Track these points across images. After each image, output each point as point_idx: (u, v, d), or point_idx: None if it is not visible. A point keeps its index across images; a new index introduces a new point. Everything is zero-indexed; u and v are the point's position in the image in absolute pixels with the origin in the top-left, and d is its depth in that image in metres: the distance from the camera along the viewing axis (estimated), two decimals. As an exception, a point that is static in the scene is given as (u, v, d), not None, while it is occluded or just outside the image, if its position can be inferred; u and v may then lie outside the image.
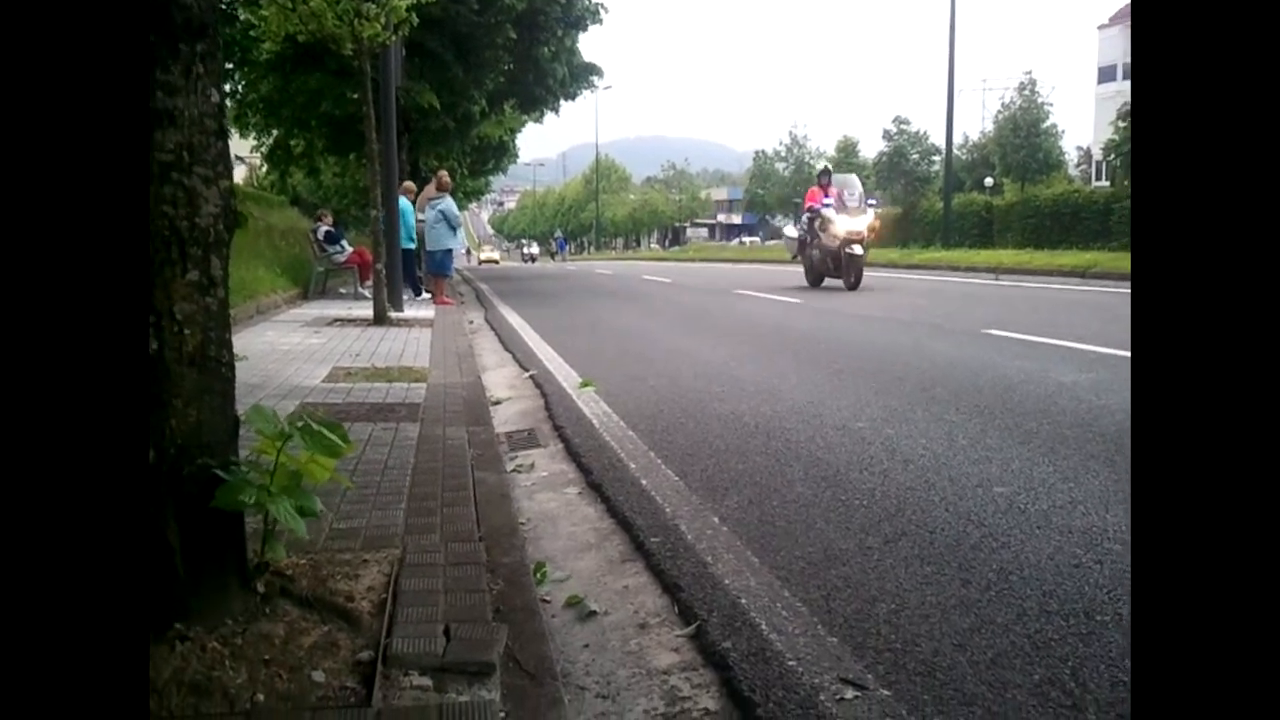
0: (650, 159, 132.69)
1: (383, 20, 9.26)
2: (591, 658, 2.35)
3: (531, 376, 6.58)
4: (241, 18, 15.84)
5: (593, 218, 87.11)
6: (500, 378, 6.86)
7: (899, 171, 53.41)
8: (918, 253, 25.54)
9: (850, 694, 2.01)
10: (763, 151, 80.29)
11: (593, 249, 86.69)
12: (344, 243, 15.23)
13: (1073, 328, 8.49)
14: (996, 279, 16.06)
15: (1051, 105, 45.39)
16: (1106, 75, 46.24)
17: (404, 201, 13.73)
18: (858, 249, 14.39)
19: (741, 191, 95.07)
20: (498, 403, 5.78)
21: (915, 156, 53.88)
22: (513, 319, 11.39)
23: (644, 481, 3.73)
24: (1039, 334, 8.01)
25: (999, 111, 47.03)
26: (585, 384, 6.00)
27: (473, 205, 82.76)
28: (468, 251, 70.00)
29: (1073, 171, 48.18)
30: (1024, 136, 44.20)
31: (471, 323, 11.12)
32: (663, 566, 2.82)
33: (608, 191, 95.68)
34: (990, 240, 28.70)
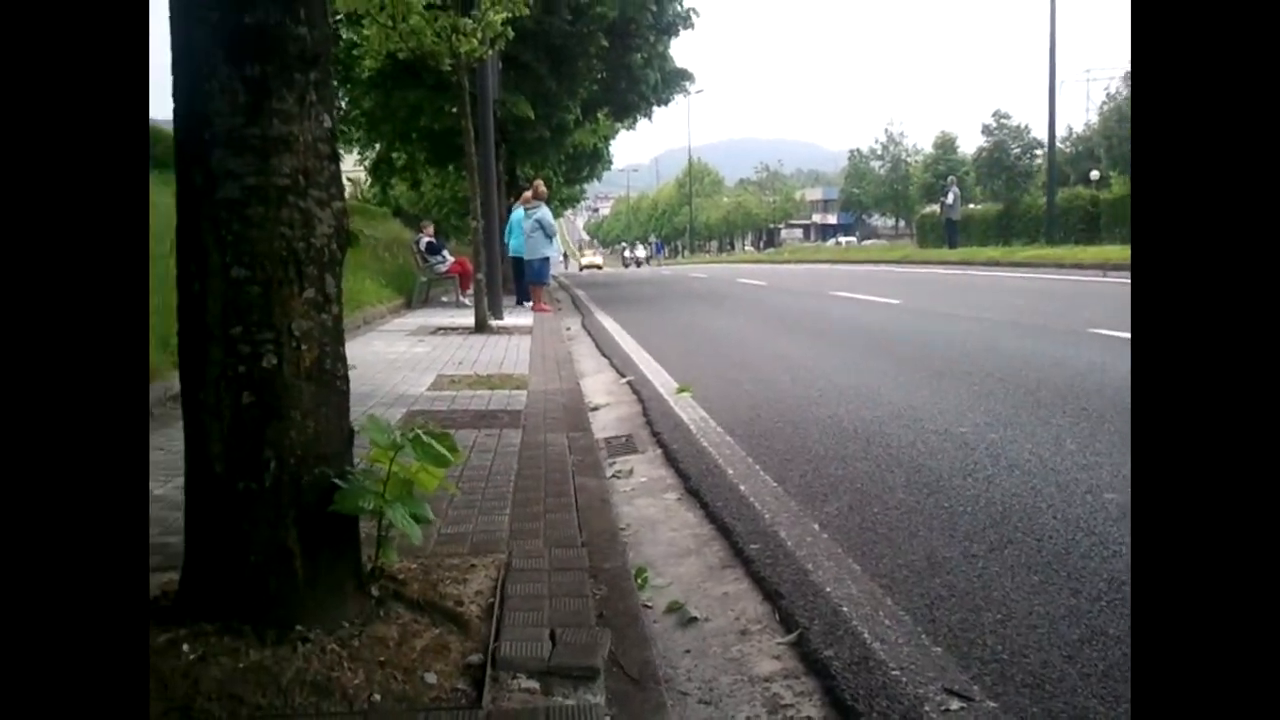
0: (743, 161, 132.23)
1: (479, 35, 9.46)
2: (693, 663, 2.38)
3: (629, 382, 6.64)
4: (345, 36, 16.35)
5: (686, 222, 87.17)
6: (598, 383, 6.95)
7: (1000, 167, 52.18)
8: (1020, 250, 24.81)
9: (955, 705, 2.00)
10: (858, 150, 79.44)
11: (687, 253, 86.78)
12: (445, 253, 15.59)
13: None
14: (1104, 276, 15.52)
15: (1161, 93, 43.68)
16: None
17: (519, 212, 13.98)
18: None
19: (836, 191, 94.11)
20: (596, 408, 5.85)
21: (1016, 151, 52.56)
22: (609, 324, 11.50)
23: (742, 487, 3.74)
24: (1150, 333, 7.71)
25: (1104, 102, 45.64)
26: (682, 389, 6.04)
27: (568, 212, 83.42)
28: (565, 258, 68.65)
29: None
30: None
31: (569, 329, 11.27)
32: (763, 573, 2.83)
33: (701, 195, 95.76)
34: (1097, 236, 27.77)
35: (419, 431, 2.27)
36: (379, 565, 2.36)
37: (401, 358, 8.00)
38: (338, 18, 15.17)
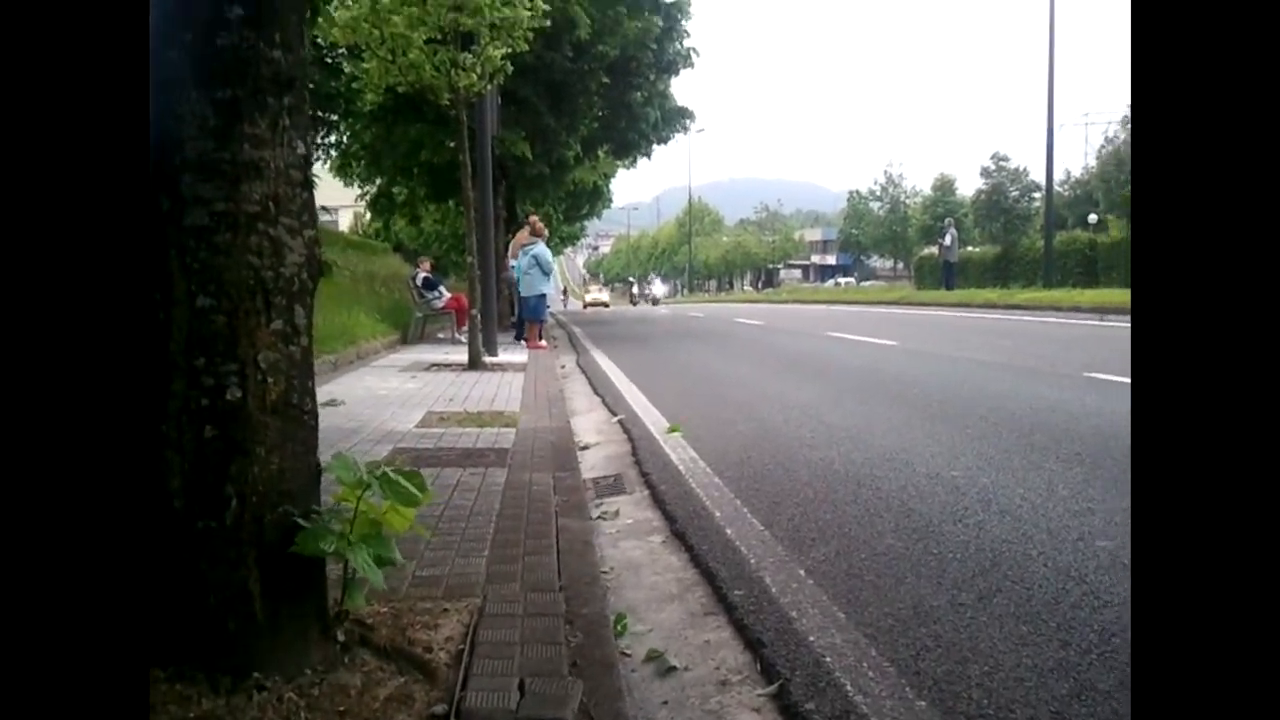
0: (744, 200, 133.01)
1: (479, 70, 9.49)
2: (670, 716, 2.29)
3: (619, 421, 6.57)
4: (346, 70, 16.44)
5: (686, 260, 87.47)
6: (589, 422, 6.87)
7: (998, 209, 52.40)
8: (1018, 293, 24.84)
9: (939, 764, 1.91)
10: (857, 191, 79.88)
11: (685, 291, 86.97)
12: (441, 289, 15.58)
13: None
14: (1101, 319, 15.49)
15: (1158, 140, 44.04)
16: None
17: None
18: None
19: (836, 232, 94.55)
20: (585, 448, 5.78)
21: (1015, 194, 52.83)
22: (604, 363, 11.43)
23: (729, 531, 3.66)
24: (1147, 378, 7.65)
25: (1102, 146, 45.98)
26: (673, 429, 5.96)
27: (568, 250, 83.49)
28: (565, 295, 63.27)
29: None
30: (1129, 171, 42.98)
31: (563, 366, 11.21)
32: (745, 621, 2.75)
33: (701, 234, 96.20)
34: (1095, 280, 27.82)
35: (386, 470, 2.19)
36: (345, 609, 2.28)
37: (392, 393, 7.93)
38: (339, 51, 15.29)
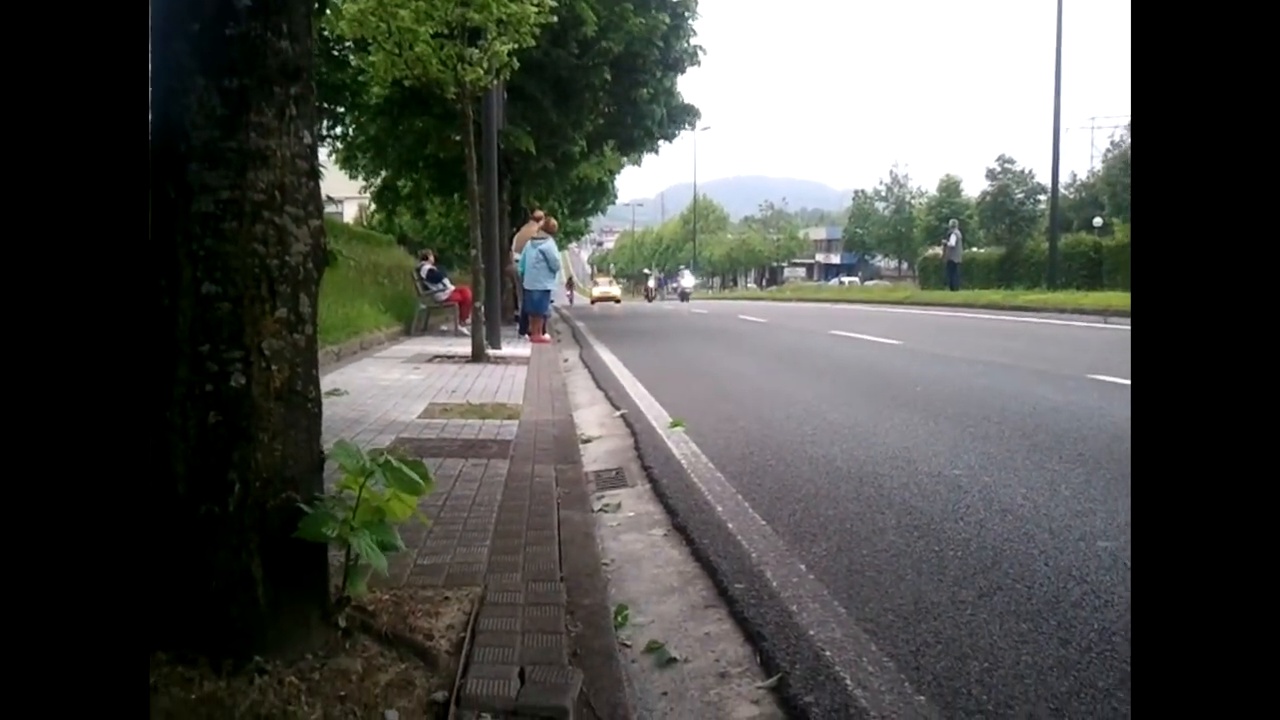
0: (748, 198, 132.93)
1: (485, 65, 9.48)
2: (669, 707, 2.30)
3: (622, 415, 6.57)
4: (353, 63, 16.43)
5: (690, 257, 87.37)
6: (592, 416, 6.88)
7: (1003, 211, 52.25)
8: (1022, 294, 24.80)
9: (937, 757, 1.92)
10: (862, 191, 79.71)
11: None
12: (446, 281, 15.59)
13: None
14: (1105, 322, 15.47)
15: (1165, 143, 43.92)
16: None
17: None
18: None
19: (840, 231, 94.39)
20: (588, 441, 5.78)
21: (1020, 196, 52.66)
22: (607, 357, 11.44)
23: (730, 525, 3.66)
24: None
25: (1108, 150, 45.85)
26: (675, 424, 5.97)
27: (572, 245, 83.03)
28: (571, 287, 56.56)
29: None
30: (1136, 175, 42.83)
31: (566, 360, 11.21)
32: (746, 614, 2.75)
33: (705, 231, 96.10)
34: (1099, 282, 27.78)
35: (389, 457, 2.20)
36: (347, 595, 2.28)
37: (395, 385, 7.93)
38: (346, 44, 15.28)
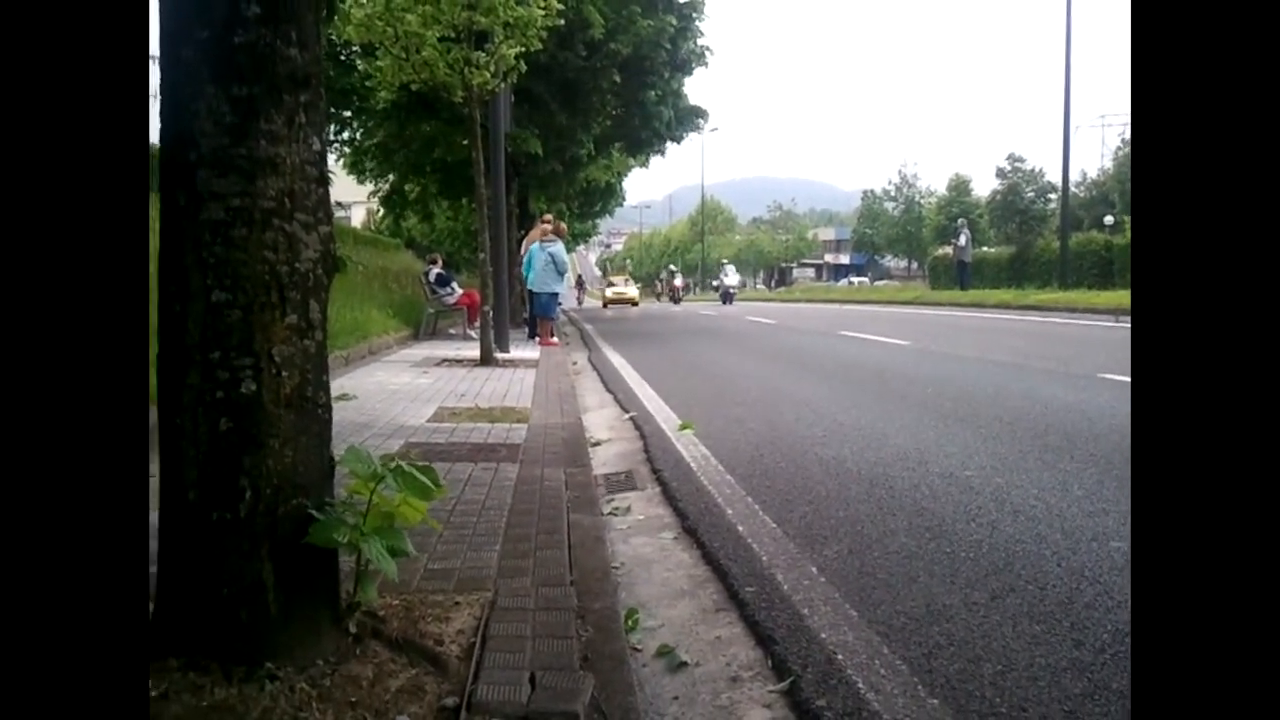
0: (757, 199, 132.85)
1: (492, 68, 9.50)
2: (681, 711, 2.29)
3: (632, 418, 6.57)
4: (360, 67, 16.48)
5: (698, 259, 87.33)
6: (601, 419, 6.88)
7: (1013, 210, 52.13)
8: (1033, 293, 24.72)
9: (951, 761, 1.91)
10: (871, 191, 79.63)
11: (698, 290, 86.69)
12: (454, 285, 15.62)
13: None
14: (1116, 321, 15.41)
15: (1175, 140, 43.76)
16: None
17: (535, 247, 14.03)
18: None
19: (849, 231, 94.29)
20: (597, 444, 5.78)
21: (1030, 195, 52.54)
22: (615, 360, 11.44)
23: (740, 528, 3.66)
24: (1162, 379, 7.60)
25: (1119, 148, 45.69)
26: (684, 426, 5.96)
27: (580, 247, 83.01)
28: (580, 287, 54.65)
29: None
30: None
31: (575, 363, 11.21)
32: (757, 617, 2.74)
33: (713, 233, 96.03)
34: (1110, 281, 27.66)
35: (400, 462, 2.20)
36: (357, 601, 2.29)
37: (404, 389, 7.95)
38: (353, 48, 15.32)
